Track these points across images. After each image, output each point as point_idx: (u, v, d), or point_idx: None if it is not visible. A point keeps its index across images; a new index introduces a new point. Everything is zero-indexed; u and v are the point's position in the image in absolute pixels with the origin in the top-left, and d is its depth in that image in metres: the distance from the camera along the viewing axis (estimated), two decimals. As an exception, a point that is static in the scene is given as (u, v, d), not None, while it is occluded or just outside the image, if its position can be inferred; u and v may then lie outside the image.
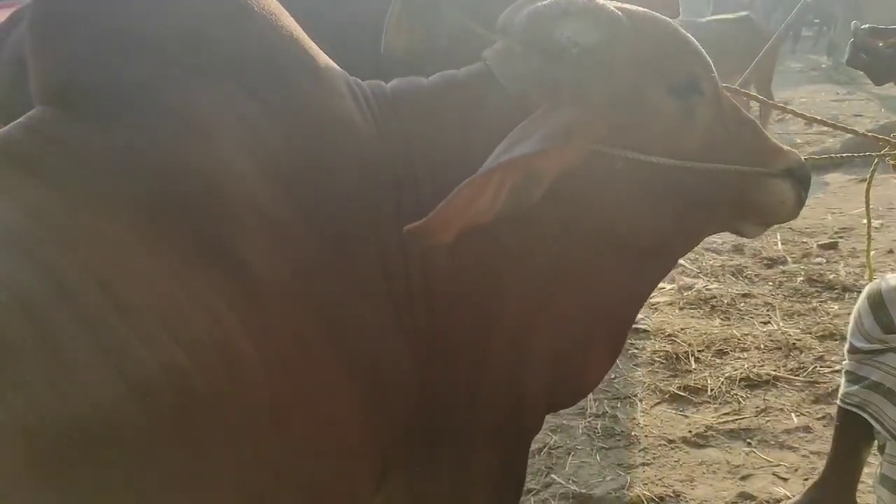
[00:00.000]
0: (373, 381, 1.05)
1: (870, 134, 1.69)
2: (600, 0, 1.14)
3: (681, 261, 4.04)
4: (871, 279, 1.74)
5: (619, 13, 1.13)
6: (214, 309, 0.86)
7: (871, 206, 1.75)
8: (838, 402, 1.76)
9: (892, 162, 1.65)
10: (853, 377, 1.71)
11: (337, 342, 1.00)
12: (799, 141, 6.57)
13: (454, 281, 1.11)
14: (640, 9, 1.18)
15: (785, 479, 2.31)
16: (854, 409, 1.69)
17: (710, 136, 1.19)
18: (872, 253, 3.83)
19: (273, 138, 0.97)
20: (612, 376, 2.97)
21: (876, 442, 1.70)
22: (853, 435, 1.75)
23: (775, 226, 4.49)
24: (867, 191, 1.75)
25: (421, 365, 1.12)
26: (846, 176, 5.32)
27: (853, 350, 1.72)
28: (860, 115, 7.58)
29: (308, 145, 1.00)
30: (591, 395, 2.84)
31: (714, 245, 4.20)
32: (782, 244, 4.09)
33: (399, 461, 1.17)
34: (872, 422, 1.64)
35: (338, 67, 1.12)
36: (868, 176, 1.80)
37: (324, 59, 1.09)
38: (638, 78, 1.11)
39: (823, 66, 11.16)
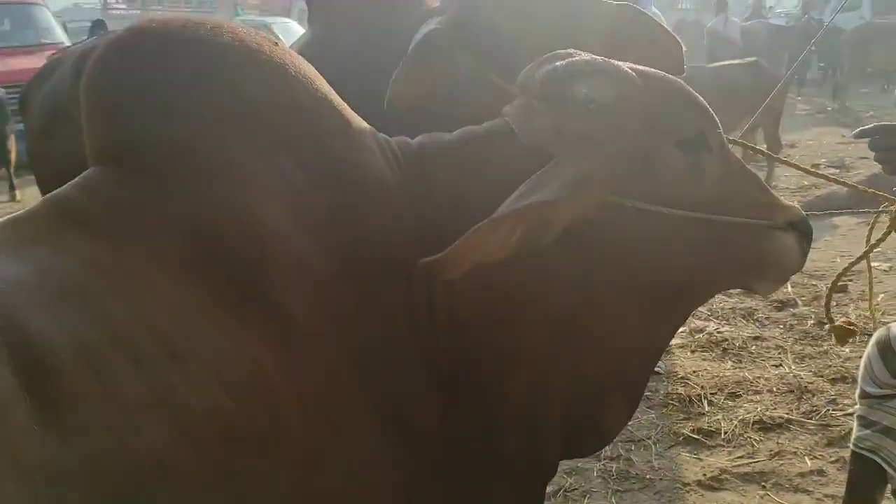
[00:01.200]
0: (400, 418, 1.10)
1: (869, 190, 1.72)
2: (614, 61, 1.21)
3: (692, 303, 4.07)
4: (876, 326, 1.78)
5: (633, 73, 1.19)
6: (255, 354, 0.91)
7: (879, 249, 1.79)
8: (851, 446, 1.79)
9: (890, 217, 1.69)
10: (865, 422, 1.74)
11: (368, 383, 1.05)
12: (806, 183, 6.63)
13: (476, 321, 1.16)
14: (651, 69, 1.25)
15: (800, 523, 2.32)
16: (867, 454, 1.71)
17: (717, 189, 1.24)
18: (882, 296, 3.87)
19: (308, 192, 1.04)
20: (626, 419, 3.00)
21: (889, 486, 1.72)
22: (866, 479, 1.77)
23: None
24: (868, 238, 1.79)
25: (444, 400, 1.16)
26: (854, 219, 5.36)
27: (864, 395, 1.75)
28: (865, 158, 7.60)
29: (340, 198, 1.06)
30: (605, 438, 2.87)
31: (725, 288, 4.24)
32: (791, 287, 4.12)
33: (424, 498, 1.21)
34: (885, 466, 1.67)
35: (367, 125, 1.18)
36: (868, 228, 1.85)
37: (355, 117, 1.16)
38: (649, 134, 1.17)
39: (829, 108, 11.28)
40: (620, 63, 1.21)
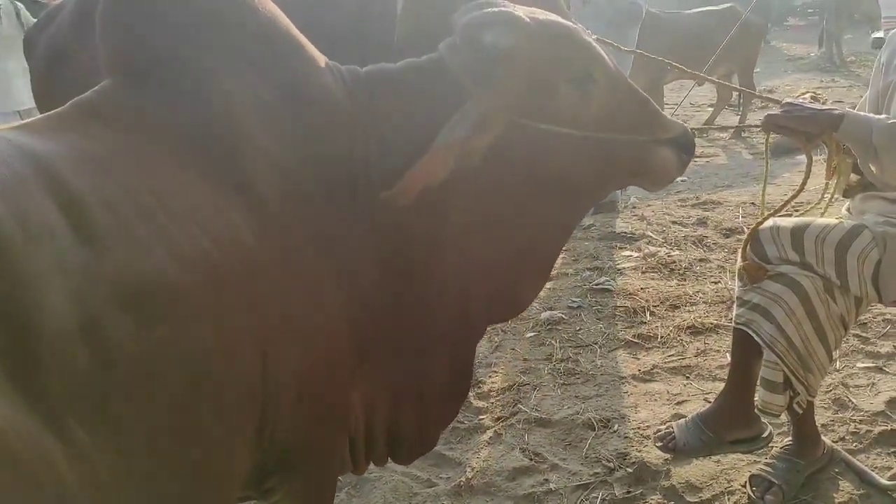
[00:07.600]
0: (353, 287, 1.44)
1: (766, 95, 2.08)
2: (517, 11, 1.52)
3: (649, 232, 4.45)
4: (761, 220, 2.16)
5: (530, 22, 1.49)
6: (230, 217, 1.24)
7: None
8: (732, 323, 2.17)
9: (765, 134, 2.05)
10: (741, 301, 2.12)
11: (318, 250, 1.39)
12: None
13: (406, 220, 1.46)
14: (547, 17, 1.56)
15: (712, 403, 2.71)
16: (742, 328, 2.09)
17: (605, 113, 1.56)
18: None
19: (272, 102, 1.37)
20: (578, 329, 3.39)
21: (763, 356, 2.10)
22: (744, 349, 2.14)
23: (737, 201, 4.86)
24: (766, 143, 2.17)
25: (386, 278, 1.50)
26: (815, 157, 5.67)
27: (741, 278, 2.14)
28: (840, 102, 7.91)
29: (297, 108, 1.39)
30: (557, 344, 3.26)
31: (681, 219, 4.61)
32: (743, 217, 4.49)
33: (372, 353, 1.56)
34: (754, 336, 2.04)
35: (320, 53, 1.51)
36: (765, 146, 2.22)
37: (310, 46, 1.48)
38: (544, 72, 1.49)
39: (813, 55, 11.49)
40: (524, 12, 1.52)
